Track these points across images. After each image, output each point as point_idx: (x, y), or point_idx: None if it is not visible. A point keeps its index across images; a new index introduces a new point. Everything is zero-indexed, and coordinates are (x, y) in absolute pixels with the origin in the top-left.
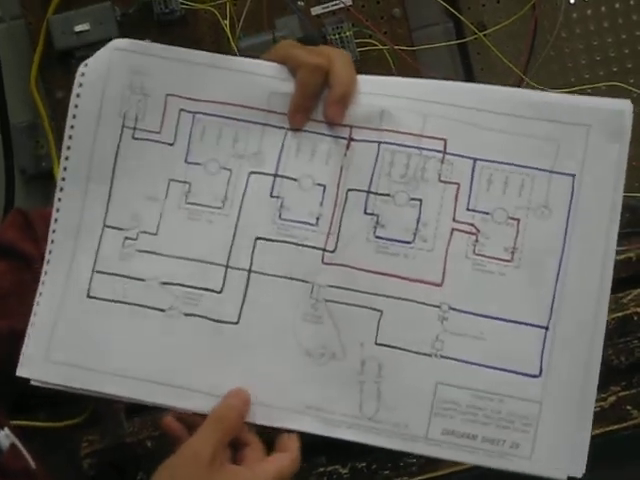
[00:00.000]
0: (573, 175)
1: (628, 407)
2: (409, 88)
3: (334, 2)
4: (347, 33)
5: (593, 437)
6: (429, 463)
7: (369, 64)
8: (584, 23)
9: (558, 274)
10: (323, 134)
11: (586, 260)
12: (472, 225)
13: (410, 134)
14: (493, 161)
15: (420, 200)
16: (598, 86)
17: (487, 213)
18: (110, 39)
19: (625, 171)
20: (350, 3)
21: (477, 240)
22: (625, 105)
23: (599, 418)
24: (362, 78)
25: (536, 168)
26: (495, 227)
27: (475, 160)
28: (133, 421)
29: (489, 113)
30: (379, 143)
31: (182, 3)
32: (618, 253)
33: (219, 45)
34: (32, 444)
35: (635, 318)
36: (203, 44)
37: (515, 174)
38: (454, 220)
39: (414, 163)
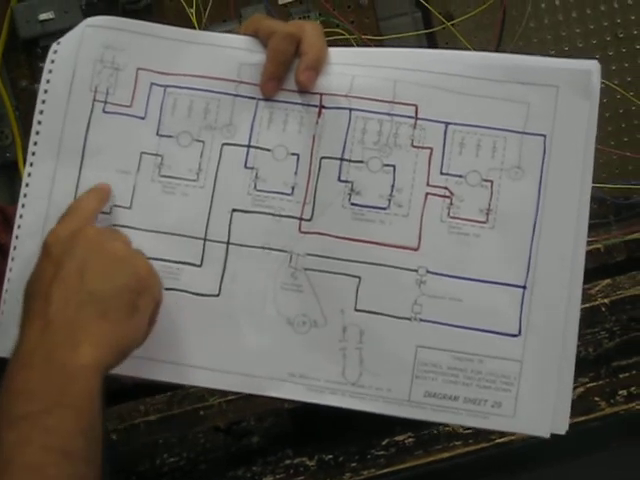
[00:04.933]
0: (544, 135)
1: (596, 398)
2: (379, 56)
3: None
4: None
5: None
6: (397, 455)
7: None
8: (553, 13)
9: (533, 233)
10: (294, 103)
11: (560, 218)
12: (446, 189)
13: (381, 101)
14: (465, 124)
15: (393, 166)
16: None
17: (461, 176)
18: None
19: (596, 129)
20: None
21: (452, 203)
22: (592, 65)
23: None
24: (332, 50)
25: (507, 130)
26: (469, 189)
27: (447, 124)
28: None
29: (459, 77)
30: (350, 110)
31: None
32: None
33: None
34: None
35: (603, 309)
36: None
37: (487, 136)
38: (428, 184)
39: (386, 129)
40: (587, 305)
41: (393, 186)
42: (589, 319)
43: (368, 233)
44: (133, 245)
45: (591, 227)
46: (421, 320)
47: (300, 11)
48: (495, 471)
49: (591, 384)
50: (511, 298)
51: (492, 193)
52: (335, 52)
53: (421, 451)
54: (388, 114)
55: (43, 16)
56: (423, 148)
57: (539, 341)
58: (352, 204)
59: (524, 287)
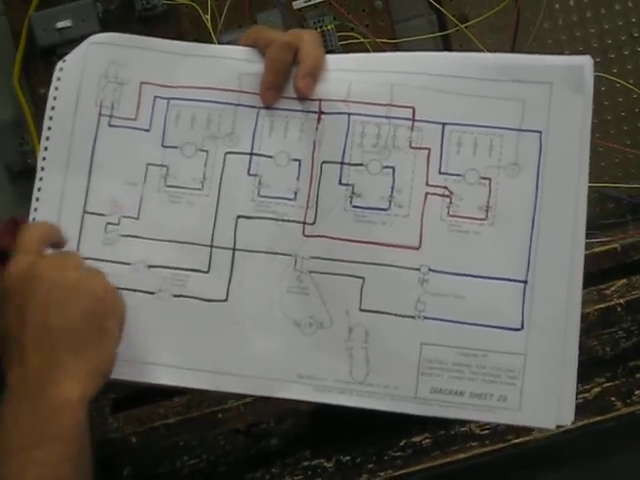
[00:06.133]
0: (540, 132)
1: (612, 398)
2: (375, 61)
3: None
4: (329, 26)
5: (577, 429)
6: (414, 456)
7: None
8: (567, 14)
9: (532, 228)
10: (294, 110)
11: (558, 212)
12: (445, 188)
13: (379, 104)
14: (461, 124)
15: (393, 167)
16: None
17: (459, 175)
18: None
19: (590, 124)
20: None
21: (451, 202)
22: (584, 60)
23: (583, 409)
24: (329, 57)
25: (504, 127)
26: (468, 188)
27: (444, 125)
28: (117, 416)
29: (454, 78)
30: (349, 115)
31: None
32: (601, 244)
33: (201, 40)
34: None
35: (619, 309)
36: (185, 39)
37: (484, 135)
38: (427, 184)
39: (385, 132)
40: (603, 305)
41: (393, 187)
42: (605, 319)
43: (370, 234)
44: (142, 255)
45: (608, 227)
46: (425, 318)
47: (315, 15)
48: (512, 471)
49: (607, 384)
50: (512, 293)
51: (490, 190)
52: (332, 59)
53: (438, 452)
54: (386, 117)
55: (61, 24)
56: (421, 149)
57: (542, 334)
58: (354, 206)
59: (525, 282)
